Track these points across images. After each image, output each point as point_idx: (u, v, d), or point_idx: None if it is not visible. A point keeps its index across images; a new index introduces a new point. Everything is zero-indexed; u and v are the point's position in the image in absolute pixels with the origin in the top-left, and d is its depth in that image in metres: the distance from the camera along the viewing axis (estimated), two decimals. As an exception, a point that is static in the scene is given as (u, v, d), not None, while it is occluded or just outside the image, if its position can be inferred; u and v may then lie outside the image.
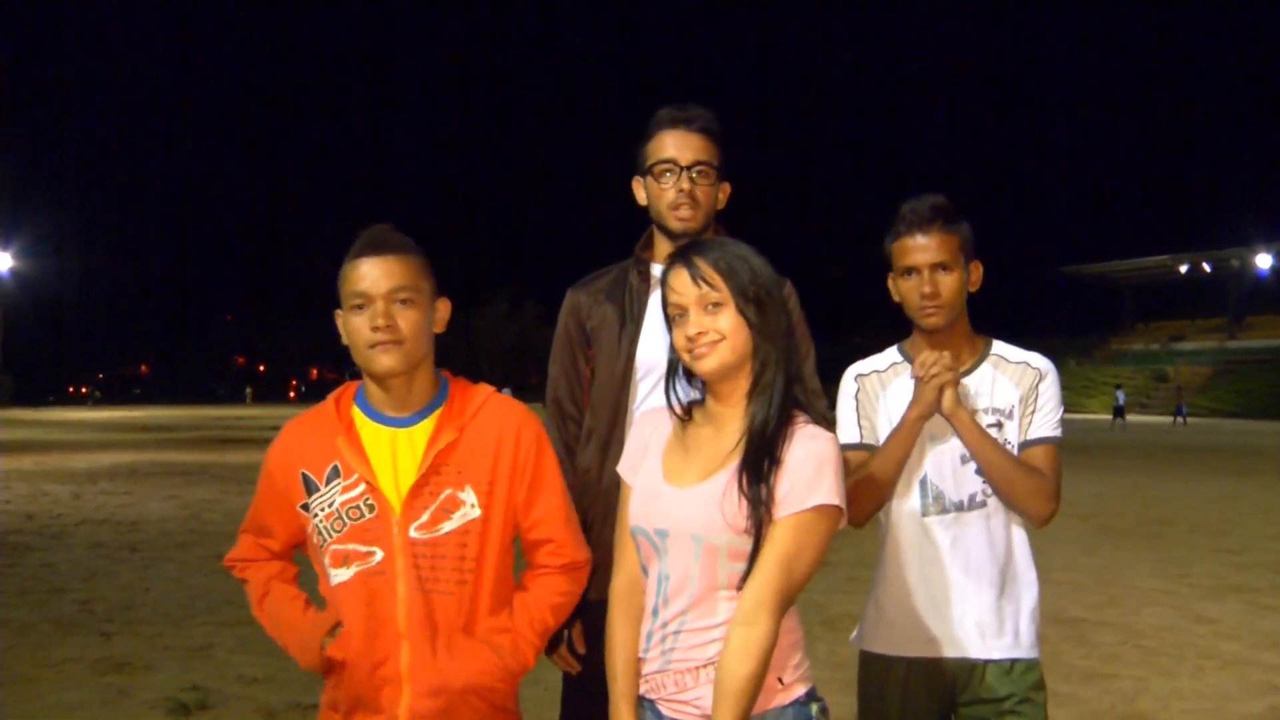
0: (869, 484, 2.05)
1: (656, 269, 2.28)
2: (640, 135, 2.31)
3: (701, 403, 1.75)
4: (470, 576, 1.75)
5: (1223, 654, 5.40)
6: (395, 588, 1.72)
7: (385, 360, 1.72)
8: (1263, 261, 60.78)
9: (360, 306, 1.73)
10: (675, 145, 2.23)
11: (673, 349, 1.73)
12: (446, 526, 1.74)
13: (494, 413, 1.83)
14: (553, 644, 2.21)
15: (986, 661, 2.05)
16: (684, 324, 1.66)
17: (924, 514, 2.09)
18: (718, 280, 1.63)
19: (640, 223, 2.41)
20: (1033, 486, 2.01)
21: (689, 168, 2.22)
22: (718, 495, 1.61)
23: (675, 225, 2.22)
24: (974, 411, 2.06)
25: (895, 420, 2.09)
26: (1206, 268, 64.59)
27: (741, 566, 1.59)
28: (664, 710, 1.66)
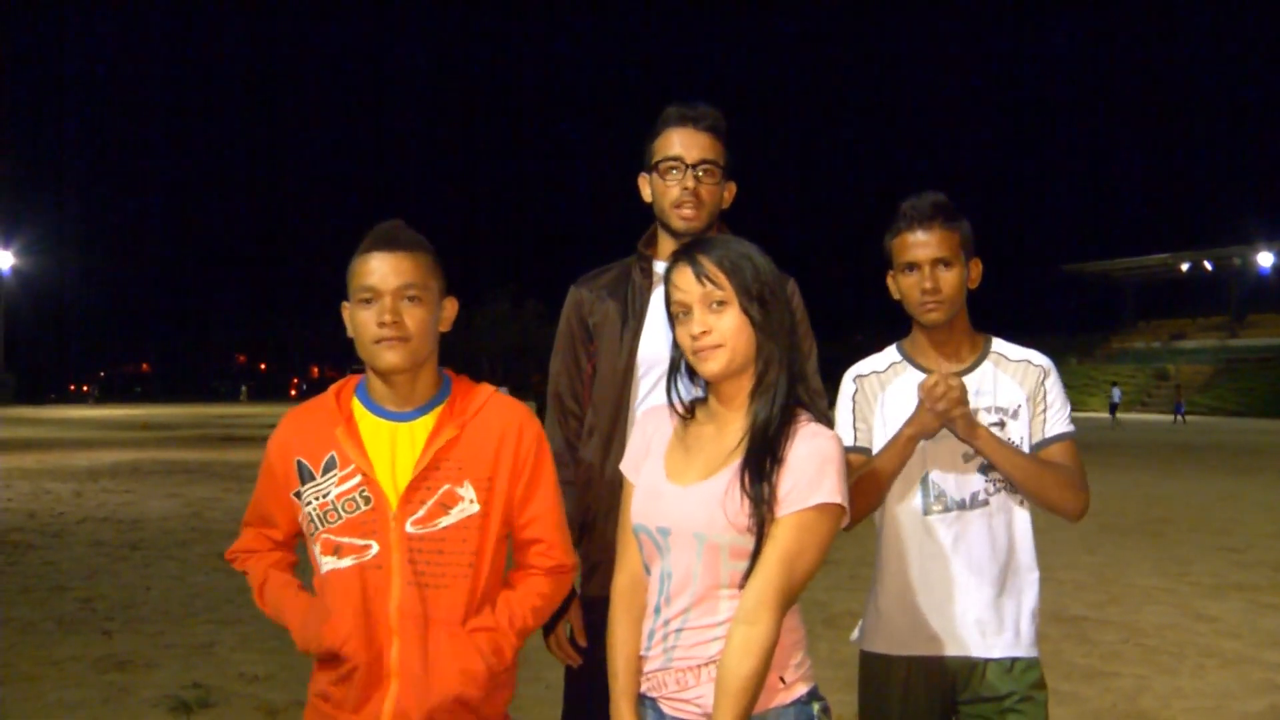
0: (862, 488, 2.04)
1: (659, 266, 2.28)
2: (647, 131, 2.31)
3: (703, 401, 1.75)
4: (470, 571, 1.76)
5: (1224, 652, 5.40)
6: (390, 582, 1.72)
7: (390, 357, 1.73)
8: (1264, 260, 60.71)
9: (369, 301, 1.73)
10: (682, 143, 2.23)
11: (675, 347, 1.73)
12: (444, 521, 1.74)
13: (496, 411, 1.83)
14: (548, 628, 2.22)
15: (987, 660, 2.05)
16: (688, 322, 1.66)
17: (925, 513, 2.09)
18: (722, 279, 1.63)
19: (642, 220, 2.41)
20: (1063, 482, 2.02)
21: (695, 166, 2.22)
22: (720, 494, 1.60)
23: (679, 223, 2.22)
24: (975, 411, 2.05)
25: (892, 422, 2.08)
26: (1208, 266, 64.54)
27: (744, 565, 1.59)
28: (665, 708, 1.66)
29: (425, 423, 1.79)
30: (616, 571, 1.78)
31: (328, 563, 1.75)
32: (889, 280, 2.17)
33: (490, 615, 1.78)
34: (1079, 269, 72.35)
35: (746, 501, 1.58)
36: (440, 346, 1.85)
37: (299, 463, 1.79)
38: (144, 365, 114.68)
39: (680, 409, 1.75)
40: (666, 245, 2.28)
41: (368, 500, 1.74)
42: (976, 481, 2.08)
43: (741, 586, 1.59)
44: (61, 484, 13.41)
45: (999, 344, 2.18)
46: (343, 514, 1.75)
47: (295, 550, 1.95)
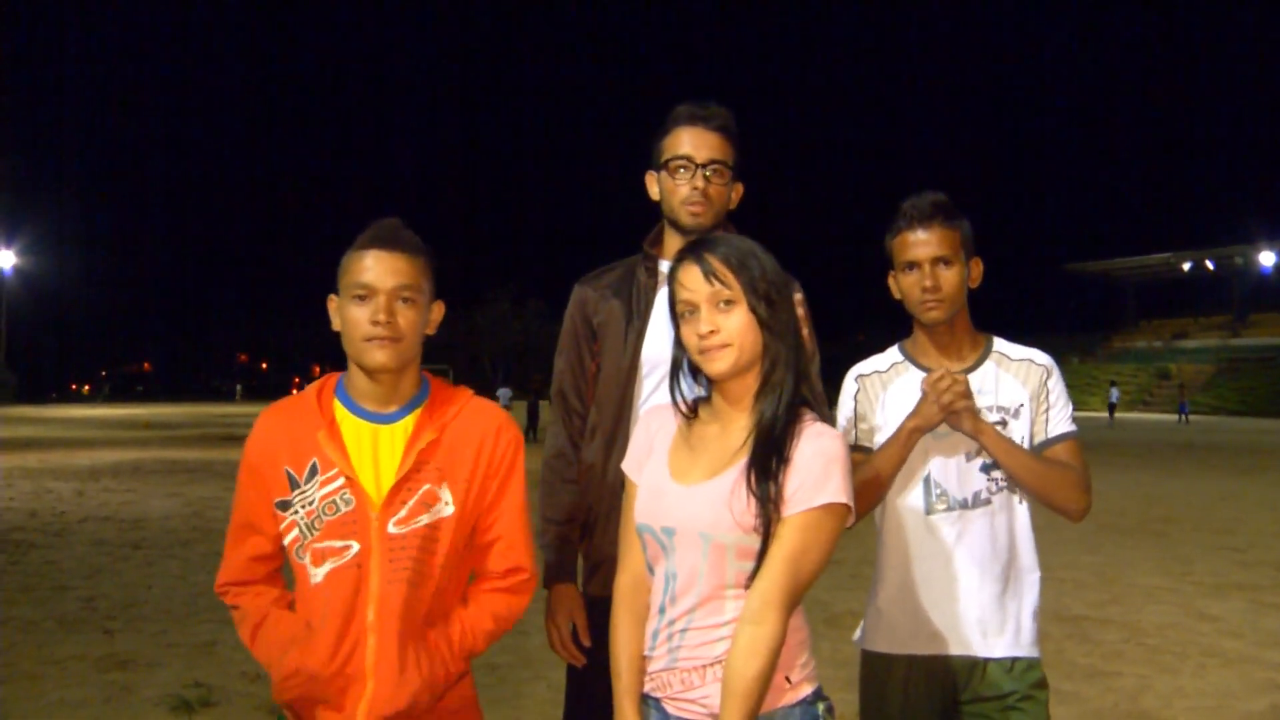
0: (863, 487, 2.05)
1: (665, 265, 2.28)
2: (656, 129, 2.30)
3: (706, 400, 1.75)
4: (440, 573, 1.76)
5: (1226, 652, 5.40)
6: (369, 581, 1.72)
7: (380, 356, 1.72)
8: (1266, 259, 60.65)
9: (363, 298, 1.73)
10: (692, 142, 2.22)
11: (677, 346, 1.73)
12: (424, 519, 1.75)
13: (475, 414, 1.84)
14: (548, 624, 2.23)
15: (988, 659, 2.05)
16: (695, 321, 1.65)
17: (928, 512, 2.09)
18: (730, 277, 1.63)
19: (644, 219, 2.40)
20: (1068, 482, 2.02)
21: (704, 165, 2.21)
22: (726, 493, 1.60)
23: (687, 222, 2.22)
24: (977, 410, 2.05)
25: (894, 421, 2.08)
26: (1210, 265, 64.47)
27: (749, 565, 1.59)
28: (670, 709, 1.65)
29: (405, 425, 1.79)
30: (619, 571, 1.77)
31: (316, 574, 1.74)
32: (889, 280, 2.17)
33: (442, 632, 1.77)
34: (1081, 268, 72.30)
35: (753, 501, 1.58)
36: (442, 346, 1.85)
37: (288, 472, 1.77)
38: (145, 364, 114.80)
39: (684, 408, 1.75)
40: (673, 244, 2.28)
41: (349, 501, 1.73)
42: (979, 480, 2.07)
43: (747, 587, 1.59)
44: (63, 483, 13.42)
45: (1000, 343, 2.18)
46: (325, 517, 1.74)
47: (283, 573, 1.89)
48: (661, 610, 1.67)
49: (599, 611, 2.02)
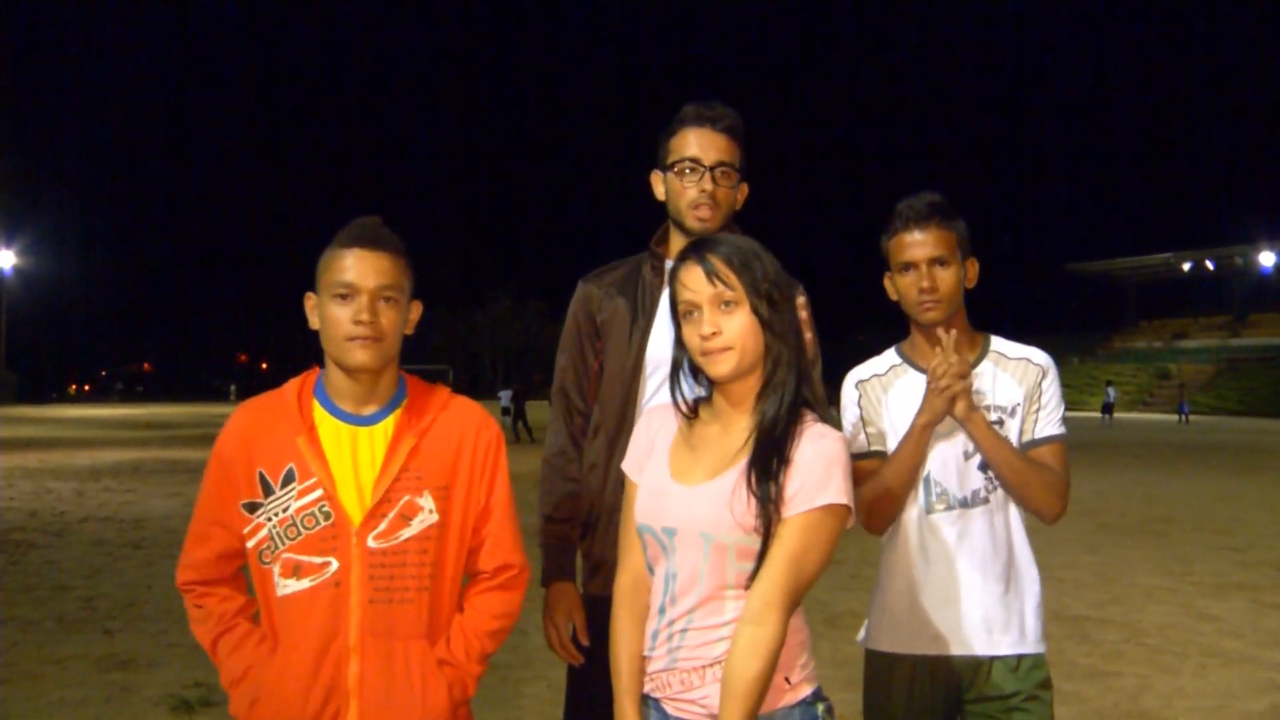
0: (884, 492, 2.05)
1: (670, 264, 2.27)
2: (662, 129, 2.29)
3: (707, 400, 1.75)
4: (431, 583, 1.74)
5: (1226, 652, 5.40)
6: (349, 600, 1.70)
7: (361, 355, 1.71)
8: (1266, 259, 60.62)
9: (344, 297, 1.71)
10: (699, 144, 2.21)
11: (678, 346, 1.72)
12: (405, 534, 1.73)
13: (453, 416, 1.82)
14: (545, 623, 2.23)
15: (993, 658, 2.05)
16: (697, 322, 1.65)
17: (928, 511, 2.09)
18: (733, 278, 1.62)
19: (644, 218, 2.40)
20: (1047, 485, 2.02)
21: (712, 168, 2.20)
22: (726, 494, 1.60)
23: (694, 224, 2.21)
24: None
25: (901, 424, 2.08)
26: (1209, 265, 64.47)
27: (750, 565, 1.59)
28: (669, 709, 1.65)
29: (385, 427, 1.77)
30: (619, 571, 1.77)
31: (288, 585, 1.71)
32: (886, 281, 2.17)
33: (445, 648, 1.77)
34: (1081, 268, 72.30)
35: (753, 501, 1.58)
36: (442, 346, 1.85)
37: (261, 475, 1.74)
38: (145, 365, 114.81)
39: (684, 408, 1.74)
40: (678, 244, 2.27)
41: (328, 516, 1.71)
42: (977, 479, 2.08)
43: (747, 587, 1.59)
44: (63, 483, 13.42)
45: (998, 342, 2.18)
46: (302, 530, 1.71)
47: (245, 575, 1.84)
48: (661, 610, 1.67)
49: (600, 611, 2.02)
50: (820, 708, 1.65)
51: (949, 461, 2.08)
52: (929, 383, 2.01)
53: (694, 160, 2.21)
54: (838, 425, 1.78)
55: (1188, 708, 4.49)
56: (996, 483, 2.07)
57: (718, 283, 1.62)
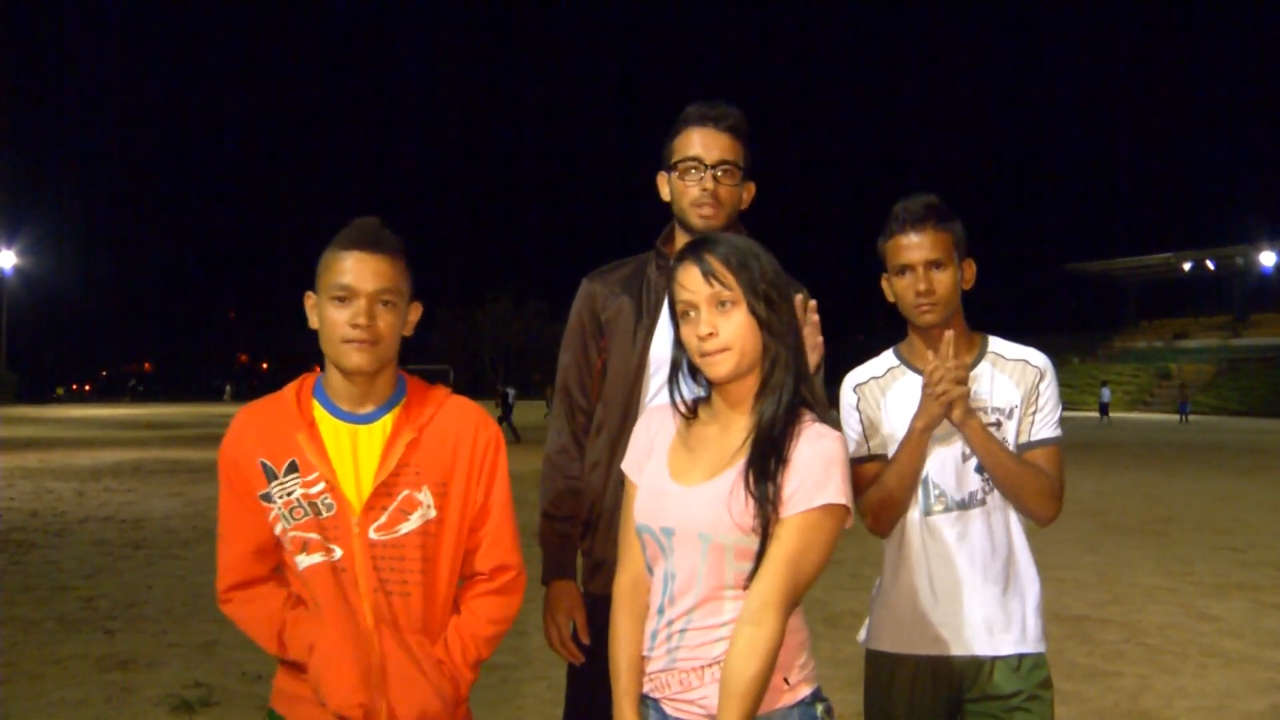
0: (886, 496, 2.05)
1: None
2: (668, 129, 2.29)
3: (706, 400, 1.75)
4: (426, 578, 1.76)
5: (1226, 652, 5.40)
6: (358, 586, 1.73)
7: (357, 358, 1.72)
8: (1266, 259, 60.59)
9: (343, 300, 1.72)
10: (702, 143, 2.22)
11: (677, 346, 1.72)
12: (405, 528, 1.74)
13: (452, 414, 1.83)
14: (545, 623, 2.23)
15: (994, 658, 2.05)
16: (695, 322, 1.65)
17: (927, 513, 2.09)
18: (730, 278, 1.62)
19: (645, 218, 2.40)
20: (1040, 489, 2.02)
21: (714, 166, 2.21)
22: (725, 494, 1.60)
23: (697, 223, 2.21)
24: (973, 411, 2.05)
25: (900, 426, 2.08)
26: (1210, 265, 64.41)
27: (748, 566, 1.59)
28: (668, 709, 1.65)
29: (384, 425, 1.79)
30: (618, 571, 1.77)
31: (303, 560, 1.74)
32: (883, 283, 2.17)
33: (443, 649, 1.78)
34: (1081, 268, 72.26)
35: (751, 502, 1.57)
36: (443, 346, 1.85)
37: (263, 463, 1.76)
38: (146, 364, 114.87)
39: (683, 409, 1.75)
40: (684, 244, 2.27)
41: (330, 506, 1.73)
42: (975, 480, 2.08)
43: (746, 587, 1.59)
44: (64, 483, 13.43)
45: (996, 343, 2.17)
46: (308, 512, 1.74)
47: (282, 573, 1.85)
48: (660, 611, 1.67)
49: (600, 610, 2.03)
50: (819, 708, 1.64)
51: (947, 463, 2.08)
52: (925, 387, 2.01)
53: (696, 159, 2.21)
54: (838, 426, 1.77)
55: (1188, 708, 4.49)
56: (993, 484, 2.07)
57: (715, 283, 1.62)
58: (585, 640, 2.22)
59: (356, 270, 1.71)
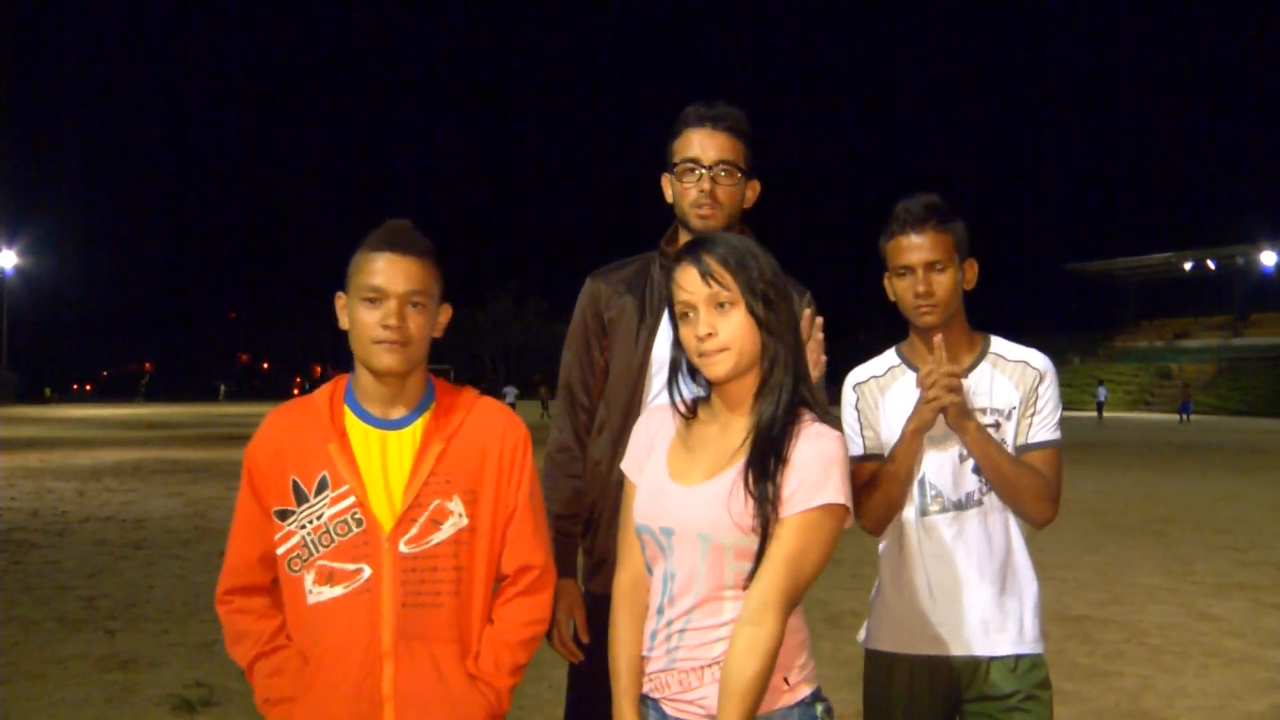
0: (878, 496, 2.05)
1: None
2: (669, 131, 2.29)
3: (705, 400, 1.74)
4: (461, 587, 1.75)
5: (1227, 652, 5.40)
6: (380, 605, 1.71)
7: (388, 359, 1.72)
8: (1267, 259, 60.55)
9: (373, 301, 1.72)
10: (700, 144, 2.22)
11: (676, 346, 1.72)
12: (436, 538, 1.74)
13: (481, 418, 1.83)
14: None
15: (991, 658, 2.05)
16: (693, 323, 1.64)
17: (923, 513, 2.09)
18: (728, 278, 1.62)
19: (645, 217, 2.40)
20: (1036, 492, 2.01)
21: (712, 167, 2.21)
22: (724, 494, 1.60)
23: (697, 224, 2.21)
24: (972, 412, 2.05)
25: (898, 425, 2.08)
26: (1211, 265, 64.36)
27: (748, 565, 1.59)
28: (668, 709, 1.65)
29: (414, 431, 1.78)
30: (618, 571, 1.77)
31: (321, 592, 1.72)
32: (885, 282, 2.16)
33: (476, 662, 1.77)
34: (1081, 268, 72.23)
35: (751, 502, 1.57)
36: (443, 346, 1.85)
37: (295, 482, 1.75)
38: (147, 364, 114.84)
39: (682, 409, 1.74)
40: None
41: (360, 523, 1.72)
42: (972, 481, 2.07)
43: (746, 587, 1.59)
44: (64, 483, 13.43)
45: (998, 343, 2.17)
46: (335, 537, 1.72)
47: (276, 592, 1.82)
48: (660, 611, 1.66)
49: (601, 609, 2.03)
50: (819, 708, 1.64)
51: (944, 464, 2.08)
52: (919, 387, 2.00)
53: (694, 160, 2.21)
54: (839, 426, 1.77)
55: (1189, 707, 4.49)
56: (990, 485, 2.07)
57: (713, 283, 1.62)
58: (585, 639, 2.22)
59: (387, 272, 1.72)
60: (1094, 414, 41.72)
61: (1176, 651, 5.40)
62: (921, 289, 2.05)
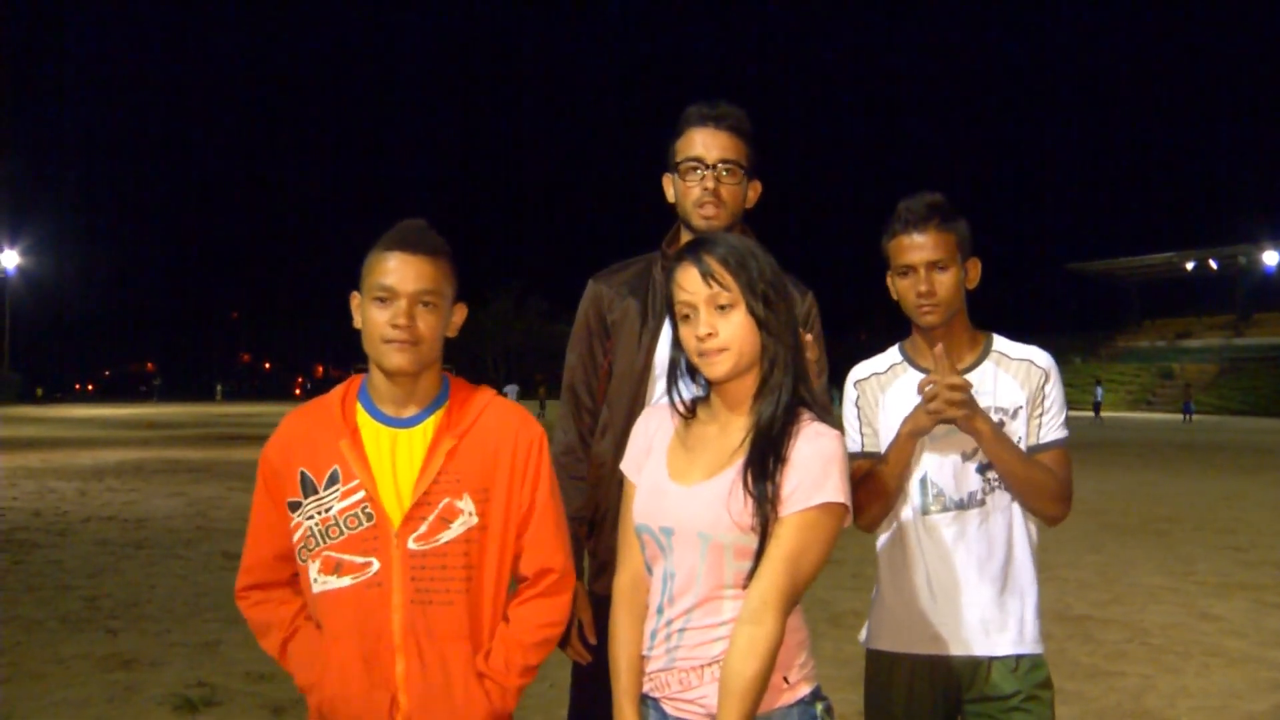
0: (874, 493, 2.04)
1: None
2: (671, 130, 2.29)
3: (705, 400, 1.75)
4: (470, 585, 1.75)
5: (1229, 652, 5.39)
6: (390, 600, 1.71)
7: (397, 359, 1.72)
8: (1269, 258, 60.46)
9: (384, 300, 1.72)
10: (703, 143, 2.22)
11: (675, 347, 1.72)
12: (446, 536, 1.74)
13: (493, 419, 1.82)
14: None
15: (991, 659, 2.05)
16: (693, 323, 1.65)
17: (925, 512, 2.09)
18: (728, 279, 1.62)
19: (646, 217, 2.40)
20: (1052, 491, 2.02)
21: (715, 166, 2.20)
22: (724, 493, 1.60)
23: (700, 223, 2.21)
24: (986, 415, 2.03)
25: (897, 424, 2.07)
26: (1213, 265, 64.28)
27: (747, 565, 1.59)
28: (668, 709, 1.65)
29: (425, 429, 1.78)
30: (618, 571, 1.77)
31: (327, 582, 1.73)
32: (888, 281, 2.16)
33: (486, 660, 1.77)
34: (1083, 268, 72.17)
35: (750, 501, 1.57)
36: (445, 345, 1.84)
37: (302, 474, 1.76)
38: (149, 365, 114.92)
39: (681, 409, 1.74)
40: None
41: (370, 517, 1.73)
42: (974, 481, 2.07)
43: (745, 586, 1.59)
44: (66, 483, 13.43)
45: (1000, 342, 2.17)
46: (345, 529, 1.73)
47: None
48: (660, 610, 1.67)
49: (605, 610, 2.03)
50: (819, 707, 1.64)
51: (946, 463, 2.07)
52: (922, 398, 1.97)
53: (697, 159, 2.21)
54: (839, 426, 1.77)
55: (1191, 707, 4.48)
56: (994, 484, 2.07)
57: (713, 284, 1.62)
58: (592, 640, 2.22)
59: (399, 271, 1.72)
60: (1090, 413, 41.71)
61: (1178, 651, 5.39)
62: (924, 288, 2.04)
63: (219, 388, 79.00)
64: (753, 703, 1.53)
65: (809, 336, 2.01)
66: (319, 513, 1.74)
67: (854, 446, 2.14)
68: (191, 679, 4.68)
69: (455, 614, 1.73)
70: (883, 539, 2.16)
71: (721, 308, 1.63)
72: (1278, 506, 11.90)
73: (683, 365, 1.73)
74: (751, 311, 1.63)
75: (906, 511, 2.10)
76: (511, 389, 29.19)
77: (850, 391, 2.21)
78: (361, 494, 1.73)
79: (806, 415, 1.65)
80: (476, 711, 1.75)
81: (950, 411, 1.93)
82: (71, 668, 4.89)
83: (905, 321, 2.20)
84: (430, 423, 1.79)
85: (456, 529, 1.74)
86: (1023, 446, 2.06)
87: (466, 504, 1.75)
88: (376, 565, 1.72)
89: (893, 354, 2.21)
